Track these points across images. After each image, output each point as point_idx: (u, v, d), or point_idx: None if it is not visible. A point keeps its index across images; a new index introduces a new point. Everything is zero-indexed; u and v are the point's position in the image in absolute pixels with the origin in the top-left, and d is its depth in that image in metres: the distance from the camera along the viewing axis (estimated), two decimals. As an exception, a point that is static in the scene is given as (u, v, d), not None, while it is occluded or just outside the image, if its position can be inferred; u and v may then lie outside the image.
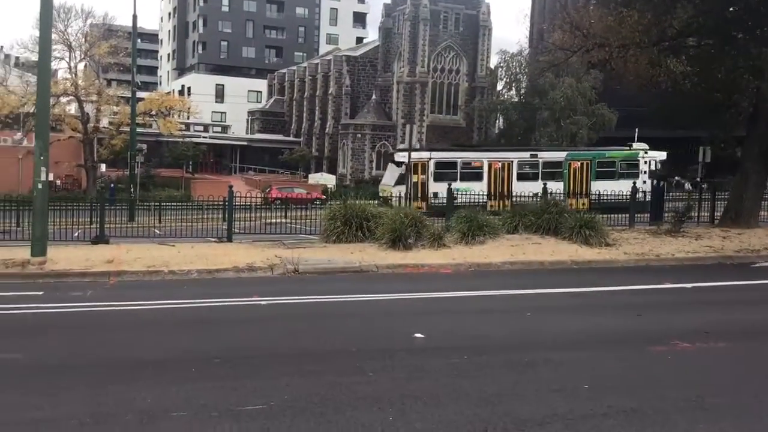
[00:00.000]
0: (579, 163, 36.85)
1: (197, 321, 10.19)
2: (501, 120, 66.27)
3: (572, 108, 55.82)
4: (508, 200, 32.12)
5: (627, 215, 23.56)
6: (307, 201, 33.93)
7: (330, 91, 68.77)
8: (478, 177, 34.68)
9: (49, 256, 14.84)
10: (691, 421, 6.11)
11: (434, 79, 63.49)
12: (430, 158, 35.90)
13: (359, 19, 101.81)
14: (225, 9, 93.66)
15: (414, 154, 36.13)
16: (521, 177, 34.99)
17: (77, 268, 14.24)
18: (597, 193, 28.04)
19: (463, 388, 6.87)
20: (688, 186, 53.23)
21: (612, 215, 22.77)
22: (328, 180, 58.13)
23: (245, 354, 8.20)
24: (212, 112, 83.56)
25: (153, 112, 51.15)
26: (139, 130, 42.34)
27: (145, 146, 49.84)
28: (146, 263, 14.78)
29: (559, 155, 38.13)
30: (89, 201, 25.22)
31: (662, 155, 39.69)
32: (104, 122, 49.72)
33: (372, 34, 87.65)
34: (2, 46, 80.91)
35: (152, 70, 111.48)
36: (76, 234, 19.71)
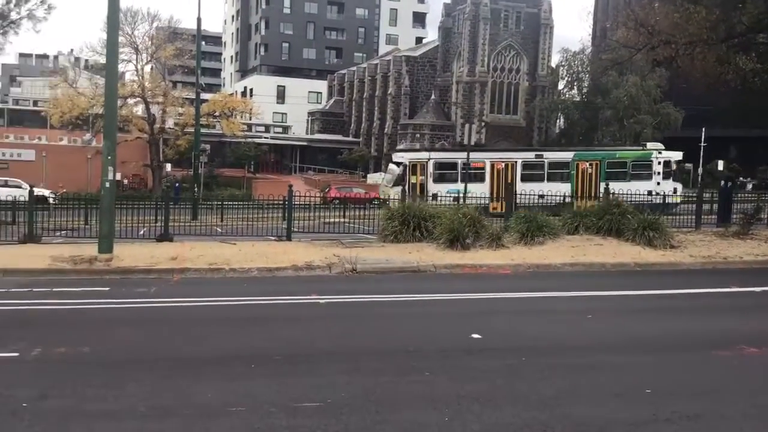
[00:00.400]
0: (587, 164, 35.60)
1: (257, 318, 10.34)
2: (562, 119, 65.33)
3: (636, 107, 54.60)
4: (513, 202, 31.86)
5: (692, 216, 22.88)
6: (366, 201, 34.04)
7: (389, 92, 68.94)
8: (479, 178, 33.60)
9: (115, 253, 15.28)
10: (758, 429, 5.89)
11: (494, 79, 62.98)
12: (429, 159, 34.91)
13: (419, 19, 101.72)
14: (286, 11, 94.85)
15: (413, 155, 35.59)
16: (526, 178, 33.66)
17: (142, 265, 14.63)
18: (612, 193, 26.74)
19: (520, 390, 6.79)
20: (749, 187, 51.41)
21: (676, 216, 22.17)
22: (387, 180, 58.21)
23: (304, 351, 8.28)
24: (273, 113, 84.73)
25: (216, 114, 52.11)
26: (203, 130, 43.27)
27: (208, 146, 50.91)
28: (208, 261, 15.08)
29: (566, 156, 36.97)
30: (154, 200, 25.86)
31: (678, 155, 37.71)
32: (170, 123, 50.89)
33: (431, 34, 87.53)
34: (72, 49, 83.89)
35: (216, 73, 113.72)
36: (142, 232, 20.25)
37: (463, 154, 35.06)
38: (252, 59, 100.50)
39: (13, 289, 12.23)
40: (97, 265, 14.60)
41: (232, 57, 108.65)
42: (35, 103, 74.10)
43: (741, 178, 53.80)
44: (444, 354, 8.18)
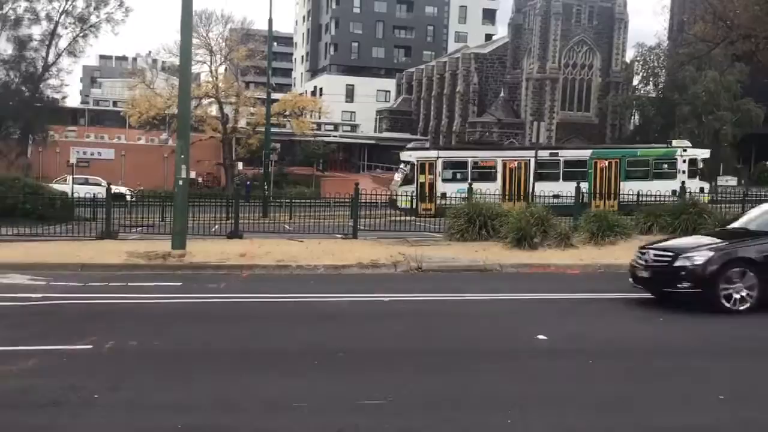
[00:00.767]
0: (606, 163, 34.30)
1: (323, 315, 10.43)
2: (636, 116, 63.63)
3: (715, 103, 52.64)
4: (525, 201, 30.88)
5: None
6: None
7: (458, 89, 68.55)
8: (491, 177, 32.43)
9: (188, 249, 15.71)
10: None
11: (565, 75, 61.83)
12: (437, 157, 34.04)
13: (488, 16, 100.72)
14: (356, 11, 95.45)
15: (421, 153, 34.74)
16: (540, 177, 32.79)
17: (213, 261, 14.99)
18: (638, 193, 25.35)
19: (586, 393, 6.63)
20: None
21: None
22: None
23: (368, 349, 8.32)
24: (342, 111, 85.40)
25: (287, 113, 52.94)
26: (273, 129, 44.02)
27: (279, 145, 51.81)
28: (276, 258, 15.32)
29: (583, 154, 35.76)
30: (226, 198, 26.45)
31: (705, 153, 36.02)
32: (242, 123, 51.98)
33: (501, 31, 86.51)
34: (150, 51, 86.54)
35: (287, 73, 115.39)
36: (214, 229, 20.74)
37: (474, 153, 34.46)
38: (322, 59, 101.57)
39: (90, 283, 12.71)
40: (171, 260, 15.03)
41: (302, 57, 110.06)
42: (114, 103, 76.82)
43: None
44: (509, 354, 8.08)
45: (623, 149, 38.23)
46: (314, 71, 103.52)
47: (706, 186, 33.32)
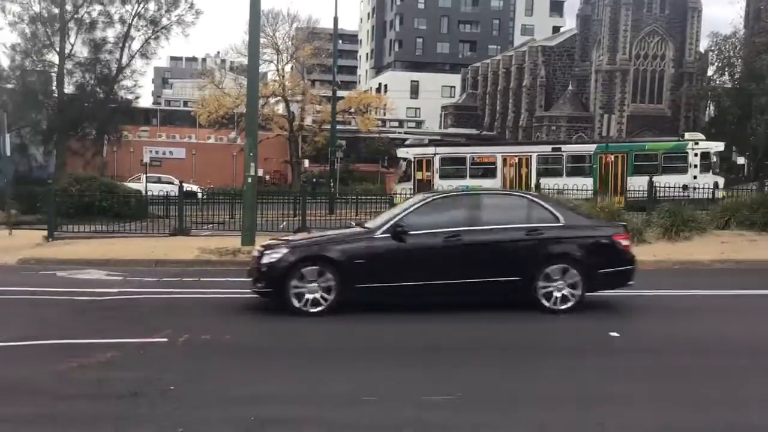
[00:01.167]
0: (612, 157, 32.84)
1: (387, 311, 10.41)
2: (712, 107, 61.49)
3: (795, 93, 50.34)
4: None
5: None
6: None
7: (524, 83, 67.65)
8: (490, 174, 31.78)
9: (257, 245, 15.93)
10: None
11: (636, 66, 60.27)
12: (435, 153, 33.16)
13: (556, 8, 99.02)
14: (421, 6, 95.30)
15: (418, 150, 33.86)
16: (542, 173, 31.45)
17: (282, 257, 15.15)
18: (652, 187, 24.31)
19: (661, 392, 6.43)
20: None
21: None
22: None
23: (432, 344, 8.27)
24: (407, 108, 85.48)
25: (352, 110, 53.31)
26: (339, 127, 44.38)
27: (344, 142, 52.14)
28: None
29: (587, 148, 34.46)
30: (293, 195, 26.79)
31: (719, 146, 34.30)
32: (308, 120, 52.59)
33: (569, 23, 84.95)
34: (219, 52, 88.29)
35: (352, 70, 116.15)
36: (282, 225, 21.01)
37: (473, 149, 33.59)
38: (386, 56, 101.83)
39: (164, 279, 13.06)
40: (240, 256, 15.30)
41: (367, 54, 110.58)
42: (185, 103, 78.81)
43: None
44: (579, 351, 7.91)
45: (630, 143, 37.20)
46: (379, 68, 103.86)
47: (721, 180, 31.66)
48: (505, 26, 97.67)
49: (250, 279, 10.11)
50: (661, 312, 10.44)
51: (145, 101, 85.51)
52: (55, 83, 37.79)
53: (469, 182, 29.35)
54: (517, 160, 32.58)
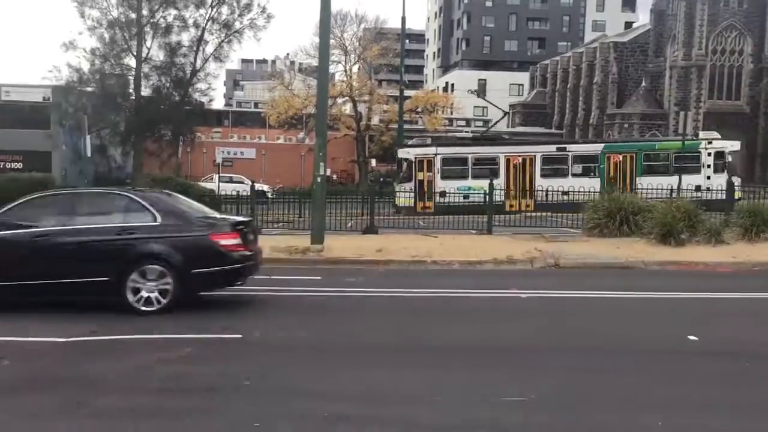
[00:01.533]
0: (620, 157, 31.35)
1: (458, 310, 10.41)
2: (793, 104, 59.02)
3: None
4: (531, 199, 28.71)
5: None
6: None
7: (595, 80, 66.30)
8: (493, 174, 30.27)
9: (325, 244, 16.15)
10: None
11: (713, 62, 58.30)
12: (436, 153, 32.17)
13: (628, 3, 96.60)
14: (488, 4, 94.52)
15: (419, 150, 32.91)
16: (546, 173, 30.48)
17: (350, 256, 15.33)
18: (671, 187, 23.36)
19: (741, 398, 6.22)
20: None
21: None
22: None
23: (502, 345, 8.22)
24: (474, 106, 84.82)
25: (419, 109, 53.25)
26: (406, 126, 44.43)
27: (411, 142, 52.09)
28: (411, 253, 15.46)
29: (594, 148, 33.01)
30: (360, 194, 27.01)
31: (734, 145, 32.39)
32: (375, 120, 52.82)
33: (642, 18, 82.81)
34: (288, 53, 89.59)
35: (419, 69, 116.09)
36: (350, 224, 21.22)
37: (475, 149, 32.70)
38: (453, 54, 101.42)
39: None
40: (310, 255, 15.54)
41: (434, 53, 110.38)
42: (255, 105, 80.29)
43: None
44: (656, 354, 7.73)
45: (639, 142, 36.03)
46: (446, 67, 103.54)
47: (737, 181, 30.20)
48: (575, 22, 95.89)
49: None
50: (741, 315, 10.08)
51: (218, 103, 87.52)
52: (132, 86, 38.97)
53: (471, 183, 29.04)
54: (520, 160, 32.02)
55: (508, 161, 31.93)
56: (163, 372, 6.97)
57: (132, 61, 38.96)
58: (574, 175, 30.57)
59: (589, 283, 12.50)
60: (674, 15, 59.56)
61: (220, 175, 37.27)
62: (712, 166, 31.01)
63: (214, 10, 39.57)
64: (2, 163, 40.87)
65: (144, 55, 38.67)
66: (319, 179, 16.51)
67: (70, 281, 9.50)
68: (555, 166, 31.68)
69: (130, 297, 9.42)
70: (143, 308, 9.41)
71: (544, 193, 25.40)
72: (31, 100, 41.20)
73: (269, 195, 30.87)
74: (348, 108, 52.35)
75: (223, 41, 40.21)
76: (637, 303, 11.09)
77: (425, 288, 12.01)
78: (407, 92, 51.72)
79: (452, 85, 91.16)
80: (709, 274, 13.77)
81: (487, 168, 31.44)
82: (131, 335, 8.45)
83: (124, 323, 8.99)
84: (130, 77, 39.14)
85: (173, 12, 38.89)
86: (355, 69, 53.11)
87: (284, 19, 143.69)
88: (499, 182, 29.68)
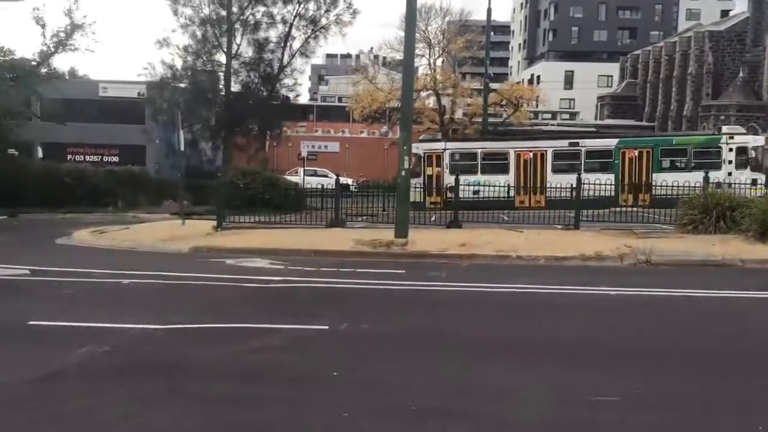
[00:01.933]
0: (636, 152, 29.32)
1: (545, 307, 10.24)
2: None
3: None
4: (542, 195, 27.37)
5: None
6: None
7: (689, 71, 63.75)
8: (503, 169, 29.60)
9: (409, 237, 16.22)
10: None
11: (818, 50, 55.08)
12: (444, 148, 31.32)
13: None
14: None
15: (428, 145, 31.68)
16: (558, 169, 28.99)
17: (434, 250, 15.33)
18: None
19: None
20: None
21: None
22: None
23: (592, 343, 8.05)
24: (560, 99, 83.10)
25: (503, 102, 52.61)
26: (490, 120, 43.95)
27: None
28: (495, 248, 15.32)
29: (608, 143, 30.90)
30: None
31: (758, 140, 30.09)
32: (459, 114, 52.52)
33: (740, 6, 79.00)
34: (372, 48, 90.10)
35: (503, 62, 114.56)
36: (433, 218, 21.21)
37: (485, 144, 31.46)
38: (540, 46, 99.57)
39: (322, 268, 13.57)
40: (394, 248, 15.62)
41: (519, 45, 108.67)
42: (339, 99, 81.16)
43: None
44: (757, 357, 7.39)
45: (656, 137, 34.45)
46: (531, 59, 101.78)
47: (761, 177, 28.22)
48: (668, 11, 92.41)
49: None
50: None
51: (303, 98, 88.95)
52: (222, 82, 40.11)
53: (480, 178, 28.37)
54: (531, 156, 31.05)
55: (518, 156, 31.32)
56: (257, 360, 7.17)
57: (222, 58, 40.10)
58: (587, 170, 29.63)
59: (683, 281, 12.06)
60: (775, 1, 56.60)
61: (305, 168, 37.92)
62: (734, 162, 29.54)
63: (301, 6, 40.20)
64: (100, 156, 42.83)
65: (234, 51, 39.69)
66: (403, 172, 16.57)
67: None
68: (567, 162, 30.69)
69: None
70: None
71: (556, 189, 24.71)
72: (127, 96, 42.96)
73: (352, 188, 31.15)
74: (431, 101, 52.24)
75: (309, 37, 40.82)
76: (738, 302, 10.67)
77: (510, 283, 11.87)
78: (492, 85, 51.15)
79: (538, 77, 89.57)
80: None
81: (496, 163, 31.08)
82: (225, 324, 8.71)
83: (218, 312, 9.27)
84: (220, 73, 40.28)
85: (262, 9, 39.79)
86: (439, 62, 52.93)
87: (369, 13, 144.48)
88: (509, 178, 29.55)
